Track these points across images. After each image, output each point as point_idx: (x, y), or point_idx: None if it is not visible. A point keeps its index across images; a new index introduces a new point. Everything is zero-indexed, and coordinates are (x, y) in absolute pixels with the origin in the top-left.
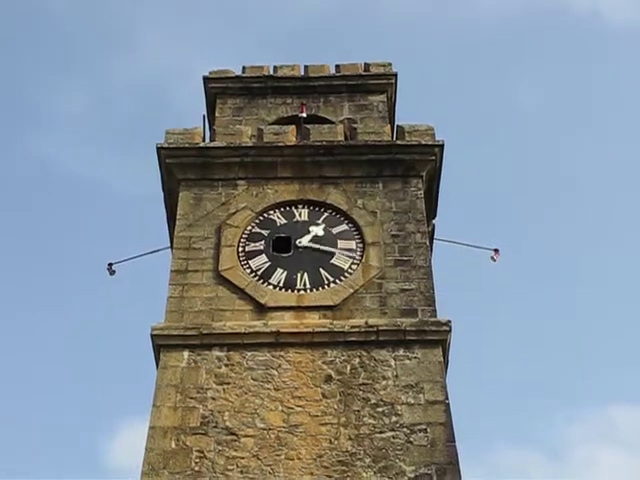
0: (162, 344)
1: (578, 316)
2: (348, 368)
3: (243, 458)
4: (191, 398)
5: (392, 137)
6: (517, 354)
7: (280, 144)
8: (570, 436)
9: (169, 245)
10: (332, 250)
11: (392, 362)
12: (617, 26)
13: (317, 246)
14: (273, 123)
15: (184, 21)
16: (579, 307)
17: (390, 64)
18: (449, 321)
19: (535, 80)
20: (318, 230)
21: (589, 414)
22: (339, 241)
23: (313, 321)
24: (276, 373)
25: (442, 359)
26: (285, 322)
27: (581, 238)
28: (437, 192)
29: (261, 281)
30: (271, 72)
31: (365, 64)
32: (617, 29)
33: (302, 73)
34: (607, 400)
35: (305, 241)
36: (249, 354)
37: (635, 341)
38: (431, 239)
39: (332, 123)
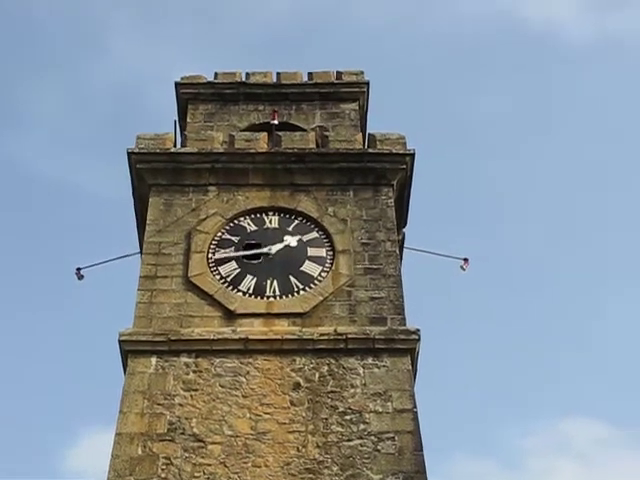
0: (130, 350)
1: (540, 326)
2: (317, 376)
3: (210, 465)
4: (158, 404)
5: (363, 145)
6: (481, 363)
7: (251, 151)
8: (526, 447)
9: (139, 250)
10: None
11: (361, 370)
12: (573, 42)
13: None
14: (245, 130)
15: (158, 25)
16: (541, 316)
17: (362, 72)
18: (418, 330)
19: (501, 88)
20: (292, 240)
21: (544, 426)
22: (309, 249)
23: (282, 328)
24: (244, 380)
25: (411, 367)
26: (254, 329)
27: (548, 245)
28: (408, 201)
29: (231, 287)
30: (243, 79)
31: (337, 72)
32: (573, 45)
33: (274, 80)
34: (562, 412)
35: (274, 249)
36: (217, 360)
37: (590, 353)
38: (401, 248)
39: (304, 130)
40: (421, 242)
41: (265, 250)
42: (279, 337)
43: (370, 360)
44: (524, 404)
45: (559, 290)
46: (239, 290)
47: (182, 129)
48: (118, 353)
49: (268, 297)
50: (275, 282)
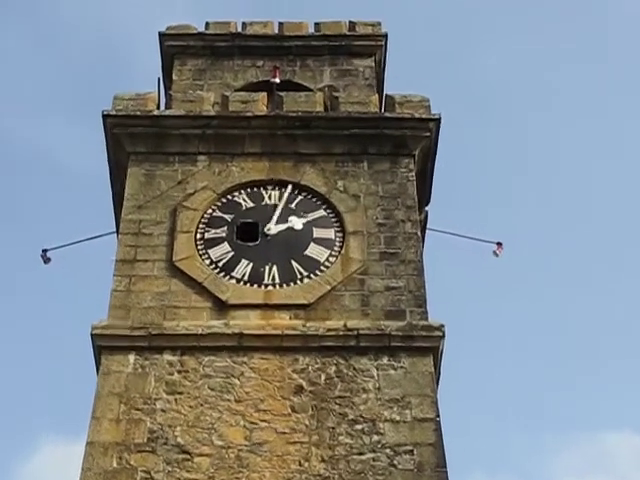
0: (104, 345)
1: (581, 324)
2: (322, 378)
3: None
4: (137, 409)
5: (380, 108)
6: (511, 365)
7: (248, 114)
8: (559, 464)
9: (115, 230)
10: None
11: (374, 372)
12: None
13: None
14: (240, 89)
15: None
16: (584, 313)
17: (379, 23)
18: (442, 325)
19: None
20: (297, 223)
21: (581, 439)
22: (315, 229)
23: (283, 322)
24: (238, 382)
25: (433, 369)
26: (250, 322)
27: (592, 233)
28: (431, 174)
29: (222, 274)
30: (239, 29)
31: (350, 23)
32: None
33: (276, 31)
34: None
35: (275, 229)
36: (206, 359)
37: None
38: (423, 229)
39: (310, 91)
40: (447, 223)
41: (264, 231)
42: (279, 332)
43: (385, 360)
44: (558, 414)
45: (608, 285)
46: (232, 277)
47: (167, 88)
48: (90, 349)
49: (266, 285)
50: (275, 268)
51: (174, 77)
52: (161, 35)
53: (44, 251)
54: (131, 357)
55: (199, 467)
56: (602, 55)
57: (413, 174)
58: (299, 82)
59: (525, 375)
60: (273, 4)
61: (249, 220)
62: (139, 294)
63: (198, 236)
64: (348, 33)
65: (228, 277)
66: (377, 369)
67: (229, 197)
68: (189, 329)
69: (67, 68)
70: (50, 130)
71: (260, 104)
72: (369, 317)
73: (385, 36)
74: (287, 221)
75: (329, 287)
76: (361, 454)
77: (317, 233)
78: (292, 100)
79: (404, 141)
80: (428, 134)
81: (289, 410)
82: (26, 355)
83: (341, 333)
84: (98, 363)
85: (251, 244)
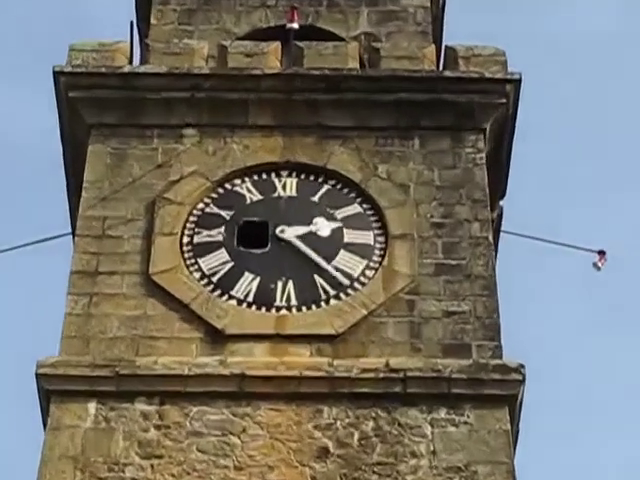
0: (54, 390)
1: None
2: (355, 437)
3: None
4: (99, 479)
5: (437, 65)
6: (615, 423)
7: (255, 72)
8: None
9: (70, 231)
10: (322, 263)
11: (428, 429)
12: None
13: (301, 246)
14: (244, 37)
15: None
16: None
17: None
18: (522, 366)
19: None
20: (323, 227)
21: None
22: (347, 231)
23: (301, 359)
24: (239, 442)
25: (509, 426)
26: (255, 360)
27: None
28: (508, 156)
29: (218, 292)
30: None
31: None
32: None
33: None
34: None
35: (292, 233)
36: (195, 410)
37: None
38: (496, 232)
39: (341, 40)
40: (527, 224)
41: (276, 233)
42: (295, 374)
43: (443, 414)
44: None
45: None
46: (232, 297)
47: (143, 36)
48: (35, 394)
49: (278, 309)
50: (290, 284)
51: (152, 21)
52: None
53: None
54: (91, 406)
55: None
56: None
57: (483, 156)
58: (325, 28)
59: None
60: None
61: (255, 219)
62: (103, 319)
63: (185, 240)
64: None
65: (226, 297)
66: (431, 425)
67: (228, 187)
68: (171, 368)
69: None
70: None
71: (271, 58)
72: (421, 353)
73: None
74: (309, 222)
75: (365, 311)
76: None
77: (349, 237)
78: (316, 53)
79: (471, 110)
80: (504, 101)
81: None
82: None
83: (382, 375)
84: (46, 414)
85: (258, 251)
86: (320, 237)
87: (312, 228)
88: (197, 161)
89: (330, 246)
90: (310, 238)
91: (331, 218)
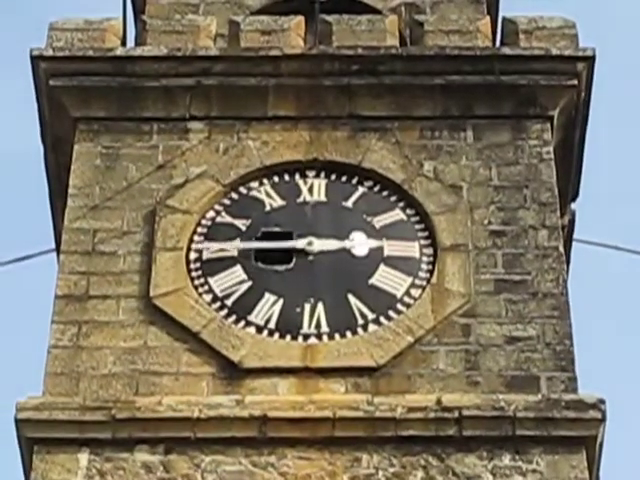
0: (37, 437)
1: None
2: None
3: None
4: None
5: (493, 41)
6: None
7: (274, 52)
8: None
9: (53, 247)
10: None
11: (489, 479)
12: None
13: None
14: (259, 11)
15: None
16: None
17: None
18: (602, 401)
19: None
20: (360, 245)
21: None
22: (387, 243)
23: (334, 397)
24: None
25: (588, 474)
26: (279, 399)
27: None
28: (581, 150)
29: (233, 318)
30: None
31: None
32: None
33: None
34: None
35: (321, 245)
36: (208, 460)
37: None
38: (567, 240)
39: (377, 13)
40: (606, 231)
41: (301, 245)
42: (328, 415)
43: (507, 461)
44: None
45: None
46: (250, 323)
47: (138, 12)
48: (14, 443)
49: (306, 337)
50: (320, 306)
51: None
52: None
53: None
54: (83, 457)
55: None
56: None
57: (550, 149)
58: None
59: None
60: None
61: (277, 229)
62: (95, 353)
63: (192, 256)
64: None
65: (243, 323)
66: (493, 475)
67: (243, 191)
68: (178, 410)
69: None
70: None
71: (294, 35)
72: (479, 388)
73: None
74: (344, 236)
75: (412, 339)
76: None
77: (390, 249)
78: (347, 29)
79: (535, 95)
80: (575, 82)
81: None
82: None
83: (432, 415)
84: (28, 467)
85: (280, 268)
86: (355, 256)
87: (347, 244)
88: (205, 161)
89: (366, 264)
90: (343, 256)
91: (372, 233)
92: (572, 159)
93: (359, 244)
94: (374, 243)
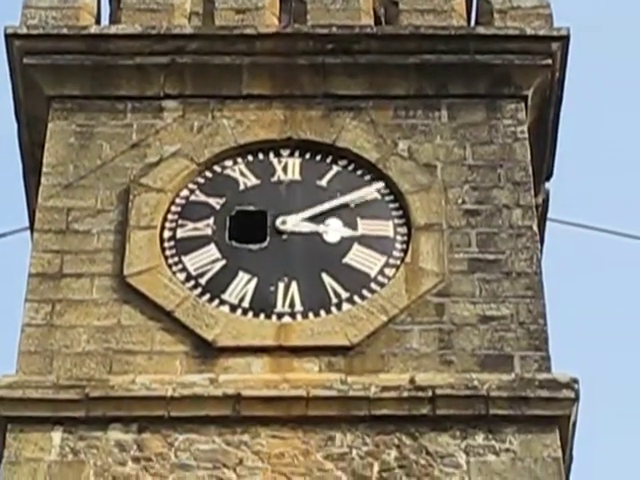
0: (10, 416)
1: None
2: (375, 469)
3: None
4: None
5: (468, 20)
6: None
7: (248, 31)
8: None
9: (27, 225)
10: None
11: (462, 458)
12: None
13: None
14: None
15: None
16: None
17: None
18: (575, 380)
19: None
20: (333, 227)
21: None
22: (361, 222)
23: (308, 376)
24: (234, 477)
25: (561, 453)
26: (253, 377)
27: None
28: (555, 129)
29: (207, 297)
30: None
31: None
32: None
33: None
34: None
35: (293, 221)
36: (181, 439)
37: None
38: (541, 220)
39: None
40: (580, 211)
41: (276, 224)
42: (302, 393)
43: (481, 440)
44: None
45: None
46: (224, 301)
47: None
48: None
49: (280, 315)
50: (294, 286)
51: None
52: None
53: None
54: (56, 436)
55: None
56: None
57: (524, 129)
58: None
59: None
60: None
61: (251, 208)
62: (68, 331)
63: (166, 234)
64: None
65: (217, 302)
66: (467, 454)
67: (217, 169)
68: (152, 389)
69: None
70: None
71: (268, 14)
72: (452, 367)
73: None
74: (319, 221)
75: (385, 318)
76: None
77: (365, 228)
78: (322, 7)
79: (509, 74)
80: (549, 62)
81: None
82: None
83: (406, 394)
84: (1, 446)
85: (254, 247)
86: (326, 242)
87: (320, 228)
88: (180, 139)
89: (340, 244)
90: (314, 239)
91: (348, 220)
92: (546, 139)
93: (332, 230)
94: (348, 232)
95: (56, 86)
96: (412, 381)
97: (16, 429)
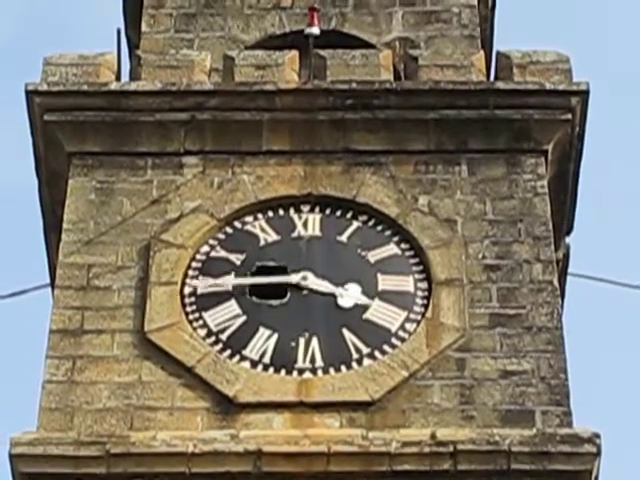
0: (32, 473)
1: None
2: None
3: None
4: None
5: (487, 75)
6: None
7: (268, 87)
8: None
9: (48, 282)
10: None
11: None
12: None
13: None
14: (254, 46)
15: None
16: None
17: None
18: (597, 436)
19: None
20: (349, 298)
21: None
22: (381, 277)
23: (329, 432)
24: None
25: None
26: (274, 433)
27: None
28: (575, 185)
29: (228, 353)
30: None
31: None
32: None
33: None
34: None
35: (314, 283)
36: None
37: None
38: (562, 275)
39: (371, 47)
40: (601, 265)
41: (295, 280)
42: (323, 449)
43: None
44: None
45: None
46: (245, 358)
47: (133, 46)
48: (9, 478)
49: (301, 371)
50: (315, 341)
51: (144, 27)
52: None
53: None
54: None
55: None
56: None
57: (544, 183)
58: (352, 33)
59: None
60: None
61: (271, 264)
62: (89, 388)
63: (187, 290)
64: None
65: (237, 358)
66: None
67: (237, 225)
68: (173, 445)
69: None
70: None
71: (288, 70)
72: (473, 422)
73: None
74: (340, 283)
75: (406, 373)
76: None
77: (385, 283)
78: (341, 63)
79: (529, 129)
80: (569, 116)
81: None
82: None
83: (427, 450)
84: None
85: (275, 303)
86: (338, 306)
87: (338, 291)
88: (200, 195)
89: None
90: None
91: (368, 289)
92: (566, 193)
93: (348, 296)
94: (363, 300)
95: (77, 142)
96: (433, 436)
97: None
